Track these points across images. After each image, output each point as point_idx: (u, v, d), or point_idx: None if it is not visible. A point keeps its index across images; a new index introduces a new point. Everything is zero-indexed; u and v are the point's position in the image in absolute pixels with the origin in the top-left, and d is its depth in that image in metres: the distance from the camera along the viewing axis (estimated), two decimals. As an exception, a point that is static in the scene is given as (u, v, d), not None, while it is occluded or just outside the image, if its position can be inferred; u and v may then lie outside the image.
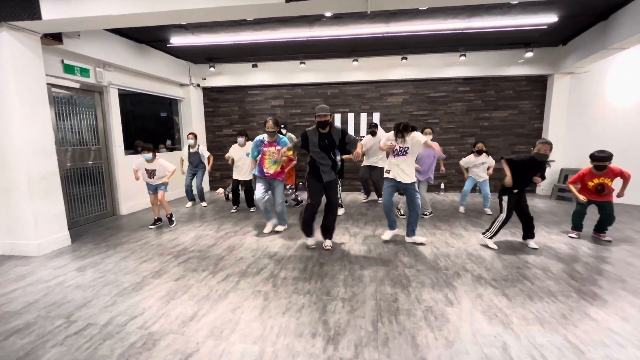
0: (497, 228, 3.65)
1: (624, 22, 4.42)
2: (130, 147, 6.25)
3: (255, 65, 6.75)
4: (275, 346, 1.98)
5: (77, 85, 4.66)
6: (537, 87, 6.81)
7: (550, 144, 3.38)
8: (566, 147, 6.66)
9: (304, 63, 6.70)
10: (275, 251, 3.62)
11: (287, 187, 5.91)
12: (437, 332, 2.09)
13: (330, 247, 3.65)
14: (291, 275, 3.00)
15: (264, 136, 4.08)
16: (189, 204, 6.08)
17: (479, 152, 5.01)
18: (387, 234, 3.93)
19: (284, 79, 7.15)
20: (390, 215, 3.87)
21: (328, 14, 4.08)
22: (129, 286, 2.81)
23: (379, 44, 5.98)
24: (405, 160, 3.60)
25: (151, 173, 4.39)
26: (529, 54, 6.07)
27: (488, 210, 5.24)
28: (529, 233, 3.68)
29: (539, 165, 3.45)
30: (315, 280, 2.87)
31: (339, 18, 4.64)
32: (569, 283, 2.77)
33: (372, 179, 6.10)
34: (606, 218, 3.82)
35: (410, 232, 3.80)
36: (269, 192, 4.20)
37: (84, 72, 4.68)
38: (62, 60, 4.35)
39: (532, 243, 3.65)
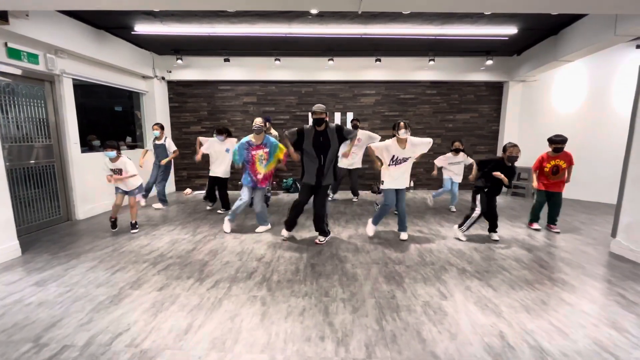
0: (470, 223, 3.95)
1: (572, 38, 4.99)
2: (85, 143, 5.62)
3: (227, 60, 6.44)
4: (285, 353, 1.91)
5: (21, 73, 4.06)
6: (495, 92, 7.41)
7: (518, 147, 3.76)
8: (519, 147, 7.34)
9: (279, 60, 6.56)
10: (262, 253, 3.51)
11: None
12: (439, 326, 2.18)
13: (320, 242, 3.80)
14: (284, 277, 2.92)
15: (249, 137, 3.90)
16: (159, 205, 5.65)
17: (457, 151, 5.26)
18: (372, 230, 4.07)
19: (258, 75, 6.94)
20: (384, 214, 4.03)
21: (314, 11, 4.02)
22: (104, 300, 2.52)
23: (355, 45, 6.06)
24: (407, 169, 3.78)
25: (118, 173, 3.98)
26: (489, 62, 6.58)
27: (453, 208, 5.56)
28: (493, 227, 4.02)
29: (508, 168, 3.80)
30: (311, 282, 2.83)
31: (320, 16, 4.61)
32: (541, 272, 3.05)
33: (351, 179, 6.18)
34: (555, 207, 4.31)
35: (404, 228, 4.01)
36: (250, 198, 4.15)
37: (32, 57, 4.09)
38: (6, 43, 3.75)
39: (495, 235, 3.99)
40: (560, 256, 3.46)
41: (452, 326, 2.18)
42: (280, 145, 3.97)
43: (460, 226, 4.01)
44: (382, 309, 2.39)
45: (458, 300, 2.51)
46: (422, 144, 3.78)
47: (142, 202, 5.63)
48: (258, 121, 3.79)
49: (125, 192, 4.14)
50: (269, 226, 4.33)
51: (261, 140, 3.87)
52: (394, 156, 3.73)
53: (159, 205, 5.59)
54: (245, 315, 2.31)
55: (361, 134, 5.83)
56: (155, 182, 5.55)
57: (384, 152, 3.76)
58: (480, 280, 2.87)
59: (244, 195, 4.03)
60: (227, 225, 4.24)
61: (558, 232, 4.28)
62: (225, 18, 4.66)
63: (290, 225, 3.88)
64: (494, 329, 2.14)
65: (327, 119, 3.54)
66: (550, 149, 4.26)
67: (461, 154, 5.30)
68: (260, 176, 3.93)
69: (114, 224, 4.24)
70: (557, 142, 4.16)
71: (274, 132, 5.81)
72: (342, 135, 3.52)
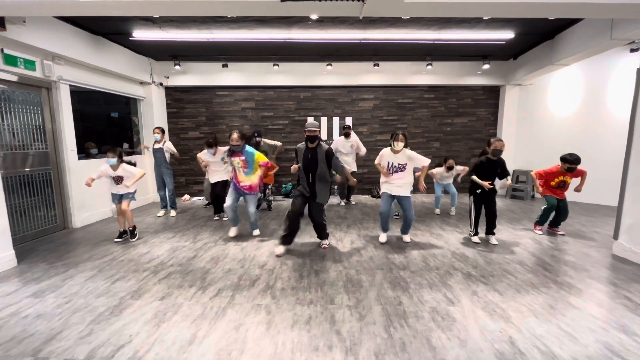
0: (472, 225, 4.05)
1: (568, 42, 5.05)
2: (81, 150, 5.54)
3: (225, 65, 6.43)
4: (293, 363, 1.87)
5: (18, 79, 4.00)
6: (492, 96, 7.47)
7: (502, 141, 3.80)
8: (516, 150, 7.40)
9: (278, 65, 6.56)
10: (265, 260, 3.46)
11: (269, 186, 5.75)
12: (448, 333, 2.15)
13: (327, 246, 3.85)
14: (288, 285, 2.88)
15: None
16: (161, 212, 5.57)
17: (450, 168, 5.29)
18: (383, 237, 4.08)
19: (256, 80, 6.93)
20: (387, 221, 4.03)
21: (314, 17, 4.03)
22: (105, 311, 2.46)
23: (354, 50, 6.09)
24: (403, 177, 3.77)
25: (118, 180, 3.92)
26: (486, 66, 6.63)
27: (452, 211, 5.55)
28: (490, 229, 4.01)
29: (496, 163, 3.83)
30: (315, 289, 2.79)
31: (320, 22, 4.62)
32: (546, 275, 3.04)
33: (347, 184, 6.19)
34: (563, 213, 4.30)
35: (405, 231, 4.07)
36: (239, 199, 4.19)
37: (29, 64, 4.04)
38: (2, 50, 3.70)
39: (492, 239, 3.98)
40: (563, 259, 3.46)
41: (461, 332, 2.15)
42: (258, 153, 4.02)
43: (470, 233, 4.15)
44: (389, 316, 2.35)
45: (465, 306, 2.49)
46: (418, 159, 3.75)
47: (173, 213, 5.62)
48: (234, 138, 3.84)
49: (120, 199, 4.06)
50: (258, 231, 4.40)
51: (239, 150, 3.95)
52: (388, 163, 3.81)
53: (173, 212, 5.59)
54: (250, 324, 2.26)
55: (354, 139, 6.04)
56: (166, 190, 5.53)
57: (382, 159, 3.88)
58: (486, 284, 2.85)
59: (228, 199, 4.08)
60: (232, 231, 4.32)
61: (563, 235, 4.29)
62: (225, 24, 4.66)
63: (287, 241, 3.65)
64: (503, 335, 2.12)
65: (320, 136, 3.62)
66: (560, 164, 4.17)
67: (454, 169, 5.32)
68: (244, 185, 4.00)
69: (120, 236, 4.14)
70: (571, 162, 4.04)
71: (272, 142, 5.78)
72: (330, 161, 3.54)
